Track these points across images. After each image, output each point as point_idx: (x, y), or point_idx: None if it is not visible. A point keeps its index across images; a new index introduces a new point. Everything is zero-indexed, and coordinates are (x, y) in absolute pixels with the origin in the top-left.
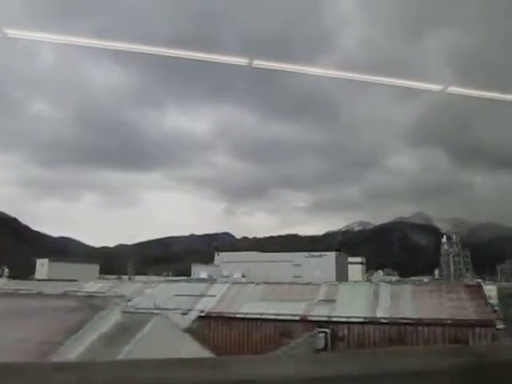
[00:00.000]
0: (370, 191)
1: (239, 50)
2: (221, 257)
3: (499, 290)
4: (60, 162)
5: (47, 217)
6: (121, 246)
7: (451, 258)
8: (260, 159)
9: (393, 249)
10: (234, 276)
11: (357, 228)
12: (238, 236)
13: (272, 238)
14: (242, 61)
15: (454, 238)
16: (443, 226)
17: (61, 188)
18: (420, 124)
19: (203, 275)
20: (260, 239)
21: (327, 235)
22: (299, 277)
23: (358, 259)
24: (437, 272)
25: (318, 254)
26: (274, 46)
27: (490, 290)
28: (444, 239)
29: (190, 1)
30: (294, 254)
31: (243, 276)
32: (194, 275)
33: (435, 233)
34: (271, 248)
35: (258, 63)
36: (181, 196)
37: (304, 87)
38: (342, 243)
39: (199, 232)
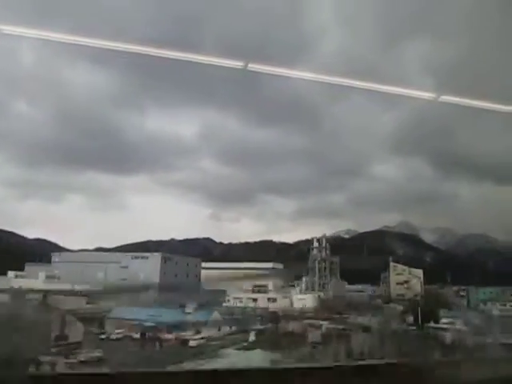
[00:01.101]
0: (354, 199)
1: (220, 53)
2: (55, 257)
3: None
4: (41, 162)
5: (26, 218)
6: (100, 249)
7: (317, 264)
8: (244, 165)
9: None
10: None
11: (343, 236)
12: (222, 241)
13: (246, 243)
14: (229, 63)
15: (324, 242)
16: (429, 236)
17: (42, 189)
18: (402, 132)
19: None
20: (234, 245)
21: (300, 242)
22: (125, 279)
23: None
24: (304, 279)
25: (141, 255)
26: (254, 51)
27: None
28: (315, 243)
29: (169, 2)
30: (121, 255)
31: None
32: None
33: (416, 242)
34: (242, 254)
35: (253, 66)
36: (166, 200)
37: (286, 93)
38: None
39: (180, 237)
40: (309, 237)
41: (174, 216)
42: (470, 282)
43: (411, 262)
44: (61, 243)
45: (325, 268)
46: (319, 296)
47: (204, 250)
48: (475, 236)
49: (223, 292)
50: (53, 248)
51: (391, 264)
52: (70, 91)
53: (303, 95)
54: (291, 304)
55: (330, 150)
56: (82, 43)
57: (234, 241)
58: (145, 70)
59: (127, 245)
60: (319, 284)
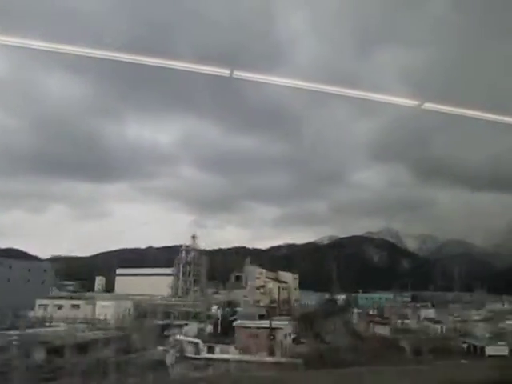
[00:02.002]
0: (336, 206)
1: (197, 60)
2: None
3: None
4: (18, 171)
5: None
6: (73, 258)
7: (181, 268)
8: (226, 172)
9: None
10: None
11: (326, 242)
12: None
13: (220, 250)
14: (205, 69)
15: (195, 243)
16: (412, 242)
17: (20, 198)
18: (381, 139)
19: None
20: (208, 251)
21: (272, 249)
22: None
23: (169, 271)
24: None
25: None
26: (229, 57)
27: None
28: (184, 246)
29: (142, 9)
30: None
31: None
32: None
33: (393, 248)
34: (214, 261)
35: (238, 74)
36: (147, 208)
37: (266, 101)
38: (285, 257)
39: (159, 244)
40: (292, 242)
41: (155, 224)
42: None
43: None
44: (32, 252)
45: (189, 272)
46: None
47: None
48: (454, 242)
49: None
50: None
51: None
52: (47, 99)
53: (283, 102)
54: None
55: (311, 156)
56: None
57: (216, 247)
58: (123, 77)
59: (103, 253)
60: (182, 289)
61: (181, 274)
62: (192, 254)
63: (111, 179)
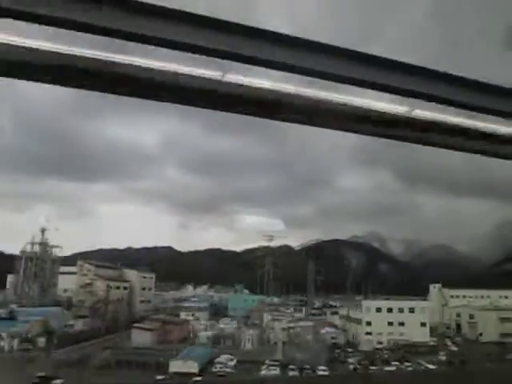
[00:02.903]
0: (323, 210)
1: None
2: None
3: None
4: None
5: None
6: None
7: (23, 263)
8: (210, 174)
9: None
10: None
11: (300, 246)
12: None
13: (195, 252)
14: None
15: (42, 237)
16: (397, 246)
17: (3, 198)
18: (365, 144)
19: None
20: (183, 253)
21: (246, 251)
22: None
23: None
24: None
25: None
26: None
27: None
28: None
29: None
30: None
31: None
32: None
33: (370, 251)
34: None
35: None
36: (130, 208)
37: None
38: (259, 258)
39: (138, 245)
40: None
41: (138, 224)
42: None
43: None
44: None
45: (31, 268)
46: None
47: (161, 257)
48: (438, 247)
49: None
50: None
51: (78, 263)
52: (24, 99)
53: None
54: None
55: (296, 159)
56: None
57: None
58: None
59: (80, 253)
60: (22, 288)
61: (22, 270)
62: (37, 249)
63: (95, 179)
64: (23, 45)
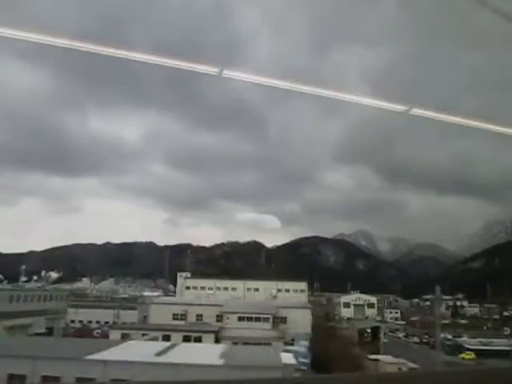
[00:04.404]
0: (308, 207)
1: (150, 51)
2: None
3: None
4: None
5: None
6: (31, 252)
7: None
8: (195, 169)
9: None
10: None
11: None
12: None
13: (167, 246)
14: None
15: None
16: (384, 244)
17: None
18: (347, 140)
19: None
20: (159, 247)
21: (216, 246)
22: None
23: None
24: None
25: None
26: (187, 49)
27: None
28: None
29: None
30: None
31: None
32: None
33: (348, 248)
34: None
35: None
36: (118, 204)
37: (227, 96)
38: (226, 254)
39: (117, 240)
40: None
41: (121, 220)
42: None
43: None
44: None
45: None
46: None
47: (139, 253)
48: (425, 245)
49: None
50: None
51: None
52: (7, 90)
53: (249, 100)
54: None
55: (280, 156)
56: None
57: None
58: (83, 69)
59: (53, 248)
60: None
61: None
62: None
63: (79, 174)
64: None
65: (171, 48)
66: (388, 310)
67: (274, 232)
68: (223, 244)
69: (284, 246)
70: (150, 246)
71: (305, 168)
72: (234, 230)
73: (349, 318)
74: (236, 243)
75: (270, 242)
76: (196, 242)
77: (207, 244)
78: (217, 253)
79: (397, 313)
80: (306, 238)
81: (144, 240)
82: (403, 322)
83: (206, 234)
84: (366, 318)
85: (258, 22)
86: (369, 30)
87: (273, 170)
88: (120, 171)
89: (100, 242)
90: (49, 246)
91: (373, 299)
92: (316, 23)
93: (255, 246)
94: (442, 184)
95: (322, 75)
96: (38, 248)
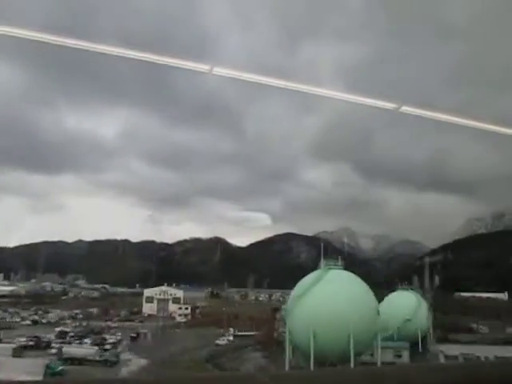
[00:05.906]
0: (289, 203)
1: (119, 43)
2: None
3: None
4: None
5: None
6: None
7: None
8: (175, 166)
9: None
10: None
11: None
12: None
13: (129, 243)
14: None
15: None
16: (367, 242)
17: None
18: (323, 137)
19: None
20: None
21: (178, 243)
22: None
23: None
24: None
25: None
26: (157, 42)
27: None
28: None
29: None
30: None
31: None
32: None
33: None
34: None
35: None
36: (96, 200)
37: (200, 91)
38: (190, 250)
39: (91, 238)
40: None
41: (98, 217)
42: None
43: None
44: None
45: None
46: None
47: (111, 249)
48: (407, 242)
49: None
50: None
51: None
52: None
53: (227, 96)
54: None
55: (258, 153)
56: None
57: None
58: (57, 63)
59: (22, 245)
60: None
61: None
62: None
63: (55, 171)
64: None
65: (146, 42)
66: None
67: (264, 229)
68: (186, 241)
69: (254, 244)
70: (124, 243)
71: (284, 165)
72: (216, 227)
73: None
74: (199, 240)
75: (250, 240)
76: (167, 239)
77: (170, 241)
78: (177, 250)
79: None
80: (279, 236)
81: (119, 238)
82: None
83: (187, 231)
84: None
85: (229, 18)
86: (340, 25)
87: (252, 167)
88: (100, 168)
89: (71, 239)
90: (17, 244)
91: None
92: (287, 19)
93: (217, 243)
94: (421, 181)
95: (297, 70)
96: (11, 245)
